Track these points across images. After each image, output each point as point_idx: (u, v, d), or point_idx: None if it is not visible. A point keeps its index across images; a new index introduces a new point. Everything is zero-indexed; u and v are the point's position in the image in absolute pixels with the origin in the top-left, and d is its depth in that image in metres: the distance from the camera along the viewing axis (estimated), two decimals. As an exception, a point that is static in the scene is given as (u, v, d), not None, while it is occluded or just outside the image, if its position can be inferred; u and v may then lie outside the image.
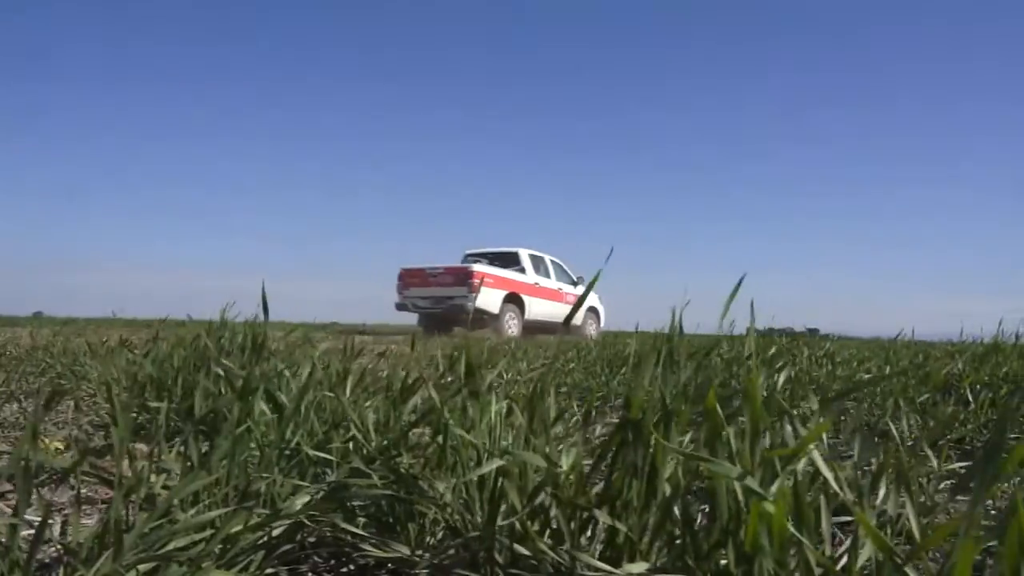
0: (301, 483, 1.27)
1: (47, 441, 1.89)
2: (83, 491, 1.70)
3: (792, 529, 0.66)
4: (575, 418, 2.41)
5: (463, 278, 11.60)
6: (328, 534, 1.26)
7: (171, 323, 3.37)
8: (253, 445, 1.27)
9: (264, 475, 1.16)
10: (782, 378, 0.92)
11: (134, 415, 2.06)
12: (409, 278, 12.37)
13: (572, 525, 0.94)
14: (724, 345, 3.83)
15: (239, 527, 0.99)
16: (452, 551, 1.06)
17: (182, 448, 1.21)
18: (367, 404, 1.52)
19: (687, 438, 1.10)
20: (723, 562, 0.79)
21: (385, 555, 1.02)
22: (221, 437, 1.05)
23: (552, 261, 13.97)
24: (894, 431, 0.88)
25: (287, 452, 1.30)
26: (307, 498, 1.15)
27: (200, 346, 1.79)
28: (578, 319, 13.99)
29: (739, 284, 0.93)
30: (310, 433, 1.40)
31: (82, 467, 0.92)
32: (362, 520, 1.25)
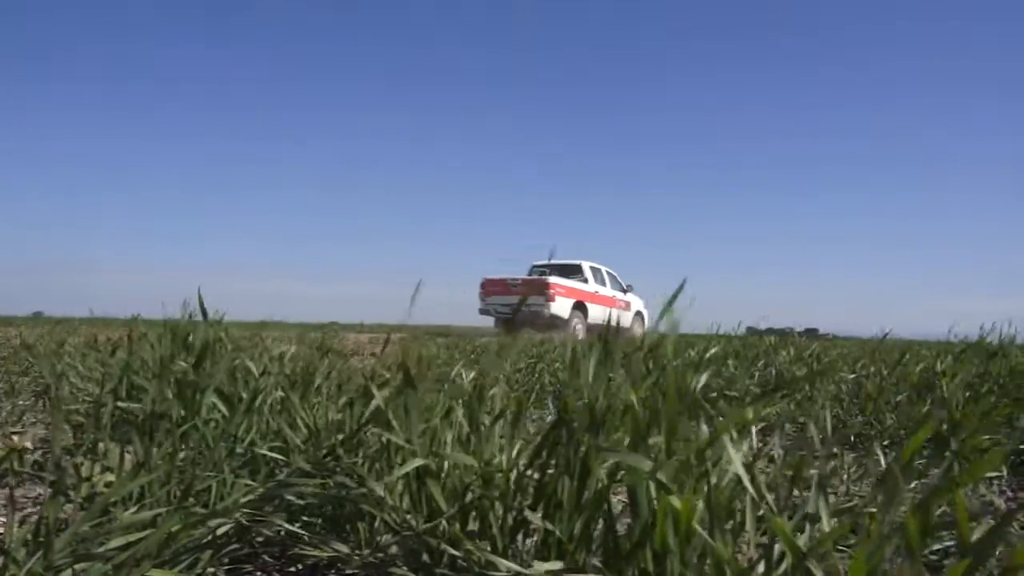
0: (251, 483, 1.27)
1: (15, 440, 1.89)
2: (44, 490, 1.70)
3: (699, 527, 0.66)
4: (550, 417, 2.41)
5: (541, 288, 13.25)
6: (280, 533, 1.26)
7: (150, 322, 3.38)
8: (203, 444, 1.26)
9: (210, 474, 1.16)
10: (703, 379, 0.91)
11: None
12: (491, 287, 14.23)
13: (503, 524, 0.94)
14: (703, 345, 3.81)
15: (176, 526, 0.99)
16: (390, 550, 1.06)
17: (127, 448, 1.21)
18: (333, 404, 1.52)
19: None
20: (642, 565, 0.79)
21: (321, 554, 1.02)
22: (161, 436, 1.04)
23: (607, 272, 15.86)
24: (812, 429, 0.87)
25: (239, 452, 1.30)
26: (252, 497, 1.14)
27: (159, 345, 1.78)
28: (627, 322, 15.84)
29: (680, 288, 0.93)
30: (264, 433, 1.39)
31: (13, 465, 0.92)
32: (316, 520, 1.25)
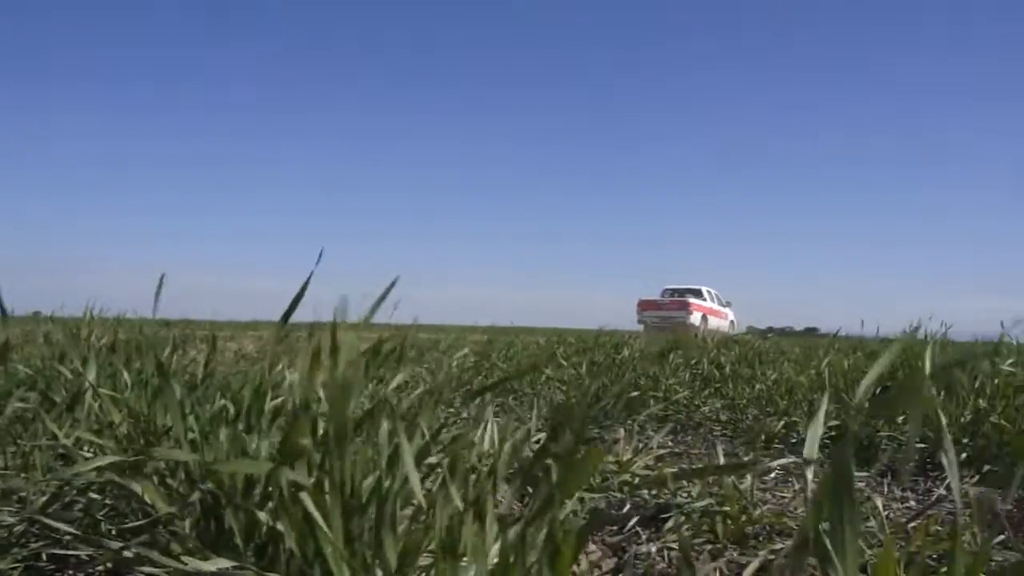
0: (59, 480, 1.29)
1: None
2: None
3: (323, 524, 0.66)
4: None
5: (683, 305, 19.80)
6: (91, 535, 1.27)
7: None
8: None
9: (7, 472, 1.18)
10: (397, 380, 0.91)
11: None
12: (645, 305, 20.43)
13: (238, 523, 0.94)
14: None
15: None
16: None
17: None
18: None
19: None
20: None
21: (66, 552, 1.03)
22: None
23: (715, 292, 22.12)
24: (492, 428, 0.86)
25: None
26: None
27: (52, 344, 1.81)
28: (725, 327, 21.29)
29: (391, 286, 0.93)
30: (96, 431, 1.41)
31: None
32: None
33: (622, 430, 2.19)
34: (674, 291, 21.34)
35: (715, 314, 21.49)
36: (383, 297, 0.90)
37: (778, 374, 3.01)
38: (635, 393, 3.02)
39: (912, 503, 1.97)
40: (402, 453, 0.76)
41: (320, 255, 0.92)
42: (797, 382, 2.66)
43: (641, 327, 19.23)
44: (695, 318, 19.72)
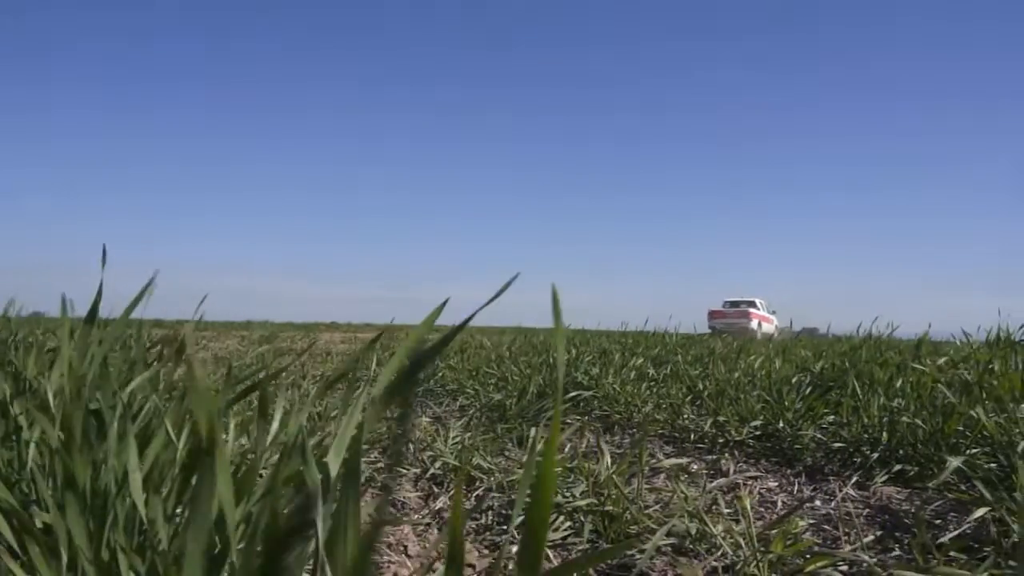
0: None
1: None
2: None
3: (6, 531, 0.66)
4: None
5: (745, 314, 23.99)
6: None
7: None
8: None
9: None
10: (138, 381, 0.91)
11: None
12: (715, 314, 24.38)
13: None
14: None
15: None
16: None
17: None
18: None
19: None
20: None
21: None
22: None
23: (766, 304, 26.27)
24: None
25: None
26: None
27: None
28: (772, 330, 24.55)
29: (150, 282, 0.93)
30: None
31: None
32: None
33: (533, 429, 2.18)
34: (735, 302, 25.68)
35: (766, 320, 25.46)
36: (143, 292, 0.90)
37: (708, 373, 2.99)
38: (574, 393, 3.01)
39: (818, 503, 1.95)
40: (128, 459, 0.76)
41: (104, 254, 0.91)
42: (727, 380, 2.64)
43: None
44: (753, 324, 23.97)
